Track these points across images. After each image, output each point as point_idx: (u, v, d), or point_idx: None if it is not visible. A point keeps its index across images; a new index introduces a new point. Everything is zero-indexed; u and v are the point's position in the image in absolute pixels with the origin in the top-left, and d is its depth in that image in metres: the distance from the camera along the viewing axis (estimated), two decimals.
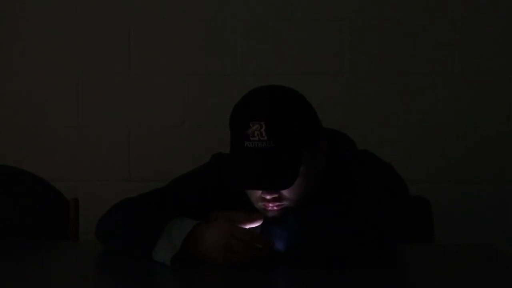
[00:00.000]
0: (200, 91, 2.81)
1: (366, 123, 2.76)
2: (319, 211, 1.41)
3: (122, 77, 2.82)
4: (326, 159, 1.53)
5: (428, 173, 2.75)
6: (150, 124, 2.82)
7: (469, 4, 2.74)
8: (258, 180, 1.42)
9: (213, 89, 2.79)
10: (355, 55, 2.77)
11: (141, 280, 1.30)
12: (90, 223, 1.64)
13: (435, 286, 1.26)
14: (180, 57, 2.80)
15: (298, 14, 2.77)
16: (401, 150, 2.74)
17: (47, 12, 2.81)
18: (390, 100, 2.77)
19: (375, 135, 2.72)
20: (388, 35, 2.76)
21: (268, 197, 1.45)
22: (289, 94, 1.48)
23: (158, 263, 1.37)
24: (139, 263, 1.38)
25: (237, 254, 1.35)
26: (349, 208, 1.40)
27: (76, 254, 1.61)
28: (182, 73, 2.81)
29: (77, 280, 1.31)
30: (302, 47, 2.78)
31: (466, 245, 1.69)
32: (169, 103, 2.81)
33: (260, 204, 1.48)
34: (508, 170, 2.75)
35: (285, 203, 1.47)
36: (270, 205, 1.46)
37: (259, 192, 1.46)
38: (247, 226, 1.43)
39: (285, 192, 1.45)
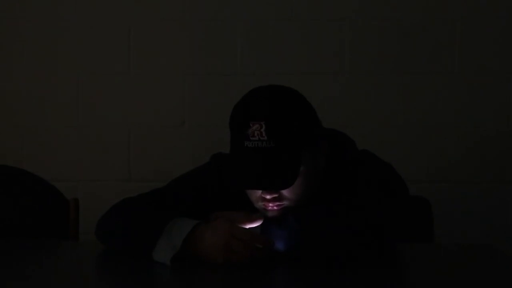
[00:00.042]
0: (200, 91, 2.81)
1: (366, 123, 2.76)
2: (319, 211, 1.41)
3: (122, 77, 2.82)
4: (326, 159, 1.53)
5: (428, 173, 2.76)
6: (150, 124, 2.82)
7: (469, 4, 2.74)
8: (258, 180, 1.42)
9: (213, 89, 2.79)
10: (355, 55, 2.77)
11: (141, 280, 1.30)
12: (90, 223, 1.64)
13: (435, 286, 1.26)
14: (180, 57, 2.80)
15: (298, 14, 2.77)
16: (401, 150, 2.74)
17: (47, 12, 2.81)
18: (390, 100, 2.77)
19: (375, 135, 2.72)
20: (388, 35, 2.76)
21: (268, 197, 1.45)
22: (289, 94, 1.48)
23: (158, 263, 1.37)
24: (139, 263, 1.38)
25: (237, 254, 1.35)
26: (349, 208, 1.40)
27: (76, 254, 1.61)
28: (182, 73, 2.81)
29: (77, 280, 1.31)
30: (302, 47, 2.78)
31: (466, 245, 1.70)
32: (169, 103, 2.81)
33: (260, 204, 1.48)
34: (508, 170, 2.75)
35: (285, 203, 1.47)
36: (270, 205, 1.46)
37: (259, 192, 1.46)
38: (247, 226, 1.43)
39: (285, 192, 1.45)
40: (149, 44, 2.81)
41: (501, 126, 2.75)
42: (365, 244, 1.38)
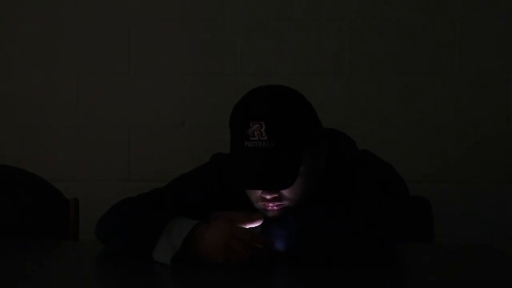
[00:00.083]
0: (200, 91, 2.81)
1: (366, 123, 2.76)
2: (319, 211, 1.41)
3: (122, 77, 2.82)
4: (326, 159, 1.53)
5: (428, 173, 2.75)
6: (150, 124, 2.82)
7: (469, 4, 2.74)
8: (258, 180, 1.42)
9: (213, 89, 2.79)
10: (355, 55, 2.77)
11: (141, 280, 1.30)
12: (90, 223, 1.64)
13: (435, 286, 1.26)
14: (180, 57, 2.80)
15: (298, 14, 2.77)
16: (401, 150, 2.74)
17: (47, 12, 2.81)
18: (390, 100, 2.77)
19: (375, 135, 2.72)
20: (388, 35, 2.76)
21: (268, 197, 1.45)
22: (289, 94, 1.48)
23: (158, 263, 1.37)
24: (139, 263, 1.38)
25: (237, 254, 1.35)
26: (349, 208, 1.40)
27: (76, 254, 1.61)
28: (182, 73, 2.81)
29: (77, 280, 1.31)
30: (302, 47, 2.78)
31: (466, 245, 1.69)
32: (169, 103, 2.81)
33: (260, 204, 1.48)
34: (508, 170, 2.75)
35: (285, 203, 1.47)
36: (270, 205, 1.46)
37: (259, 192, 1.46)
38: (247, 226, 1.43)
39: (285, 192, 1.45)
40: (149, 44, 2.81)
41: (501, 126, 2.75)
42: (365, 244, 1.38)
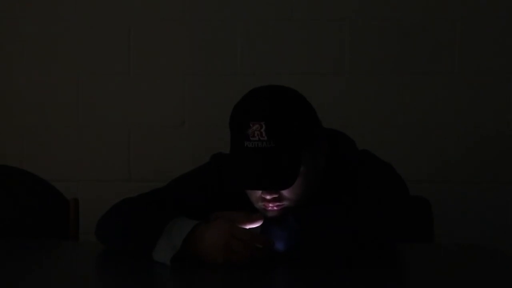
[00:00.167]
0: (200, 91, 2.81)
1: (366, 123, 2.76)
2: (319, 211, 1.41)
3: (122, 77, 2.82)
4: (326, 159, 1.53)
5: (428, 173, 2.76)
6: (150, 124, 2.82)
7: (469, 4, 2.74)
8: (258, 180, 1.42)
9: (213, 89, 2.79)
10: (355, 55, 2.77)
11: (141, 280, 1.30)
12: (90, 223, 1.64)
13: (435, 286, 1.26)
14: (180, 57, 2.80)
15: (298, 14, 2.77)
16: (401, 150, 2.74)
17: (47, 12, 2.81)
18: (390, 100, 2.77)
19: (375, 135, 2.72)
20: (388, 35, 2.76)
21: (268, 197, 1.45)
22: (289, 94, 1.48)
23: (158, 263, 1.37)
24: (139, 263, 1.38)
25: (237, 254, 1.35)
26: (349, 208, 1.40)
27: (76, 254, 1.61)
28: (182, 73, 2.81)
29: (77, 280, 1.31)
30: (302, 47, 2.78)
31: (466, 245, 1.69)
32: (169, 103, 2.81)
33: (260, 204, 1.48)
34: (508, 170, 2.75)
35: (285, 203, 1.47)
36: (270, 205, 1.47)
37: (259, 192, 1.46)
38: (247, 226, 1.43)
39: (285, 192, 1.45)
40: (149, 44, 2.81)
41: (501, 126, 2.75)
42: (365, 244, 1.38)
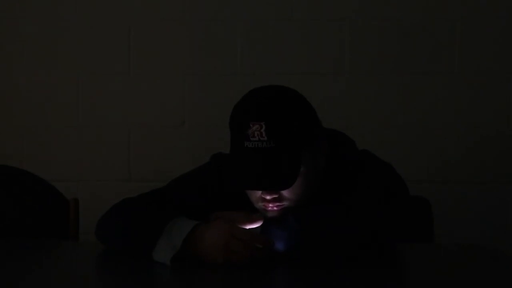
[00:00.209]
0: (200, 91, 2.81)
1: (366, 123, 2.76)
2: (319, 211, 1.41)
3: (122, 77, 2.82)
4: (326, 159, 1.53)
5: (428, 173, 2.76)
6: (150, 124, 2.82)
7: (469, 4, 2.74)
8: (258, 180, 1.42)
9: (213, 89, 2.79)
10: (355, 55, 2.77)
11: (141, 280, 1.30)
12: (90, 223, 1.64)
13: (435, 286, 1.26)
14: (180, 57, 2.80)
15: (298, 14, 2.77)
16: (401, 150, 2.74)
17: (47, 12, 2.81)
18: (390, 100, 2.77)
19: (375, 135, 2.72)
20: (388, 35, 2.76)
21: (268, 197, 1.45)
22: (289, 94, 1.48)
23: (158, 263, 1.37)
24: (139, 263, 1.38)
25: (237, 254, 1.35)
26: (349, 208, 1.40)
27: (76, 254, 1.61)
28: (182, 73, 2.81)
29: (77, 280, 1.31)
30: (302, 47, 2.78)
31: (466, 245, 1.69)
32: (169, 103, 2.81)
33: (260, 205, 1.48)
34: (508, 170, 2.75)
35: (285, 203, 1.47)
36: (270, 205, 1.46)
37: (259, 192, 1.46)
38: (247, 227, 1.43)
39: (285, 193, 1.45)
40: (149, 44, 2.81)
41: (501, 126, 2.75)
42: (365, 244, 1.38)
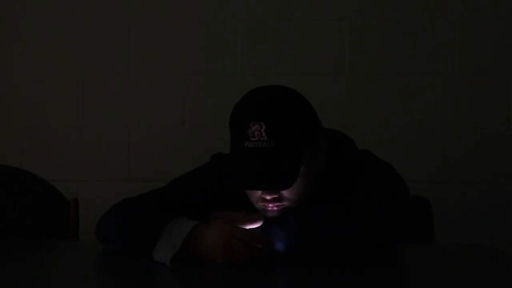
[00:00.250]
0: (200, 91, 2.81)
1: (366, 123, 2.76)
2: (319, 211, 1.41)
3: (122, 77, 2.82)
4: (326, 159, 1.53)
5: (428, 173, 2.75)
6: (150, 124, 2.82)
7: (469, 4, 2.74)
8: (258, 180, 1.42)
9: (213, 89, 2.79)
10: (355, 55, 2.77)
11: (141, 280, 1.30)
12: (90, 223, 1.64)
13: (435, 286, 1.26)
14: (180, 57, 2.80)
15: (298, 14, 2.77)
16: (401, 150, 2.74)
17: (47, 12, 2.81)
18: (390, 100, 2.77)
19: (375, 135, 2.72)
20: (388, 35, 2.76)
21: (268, 197, 1.45)
22: (289, 94, 1.48)
23: (158, 263, 1.37)
24: (139, 263, 1.38)
25: (237, 254, 1.35)
26: (349, 208, 1.40)
27: (76, 254, 1.61)
28: (182, 73, 2.81)
29: (77, 280, 1.31)
30: (302, 47, 2.78)
31: (466, 245, 1.69)
32: (169, 103, 2.81)
33: (260, 205, 1.48)
34: (508, 170, 2.75)
35: (285, 203, 1.47)
36: (270, 205, 1.46)
37: (259, 192, 1.46)
38: (247, 227, 1.43)
39: (285, 193, 1.45)
40: (149, 44, 2.81)
41: (501, 126, 2.75)
42: (365, 244, 1.38)
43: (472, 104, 2.75)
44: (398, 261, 1.45)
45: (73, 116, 2.82)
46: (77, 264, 1.49)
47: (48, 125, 2.82)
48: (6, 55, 2.82)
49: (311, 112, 1.50)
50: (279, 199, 1.46)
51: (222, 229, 1.37)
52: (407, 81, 2.76)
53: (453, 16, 2.75)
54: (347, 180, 1.51)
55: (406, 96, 2.76)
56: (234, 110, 1.48)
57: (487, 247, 1.59)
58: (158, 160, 2.80)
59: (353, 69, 2.77)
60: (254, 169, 1.42)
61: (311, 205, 1.46)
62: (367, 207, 1.41)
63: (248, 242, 1.35)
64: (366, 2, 2.76)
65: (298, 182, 1.43)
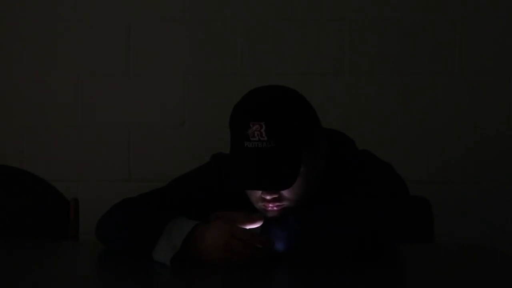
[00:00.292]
0: (200, 91, 2.81)
1: (366, 123, 2.76)
2: (319, 211, 1.41)
3: (122, 77, 2.82)
4: (326, 159, 1.53)
5: (428, 173, 2.75)
6: (150, 124, 2.82)
7: (469, 4, 2.74)
8: (258, 180, 1.42)
9: (213, 89, 2.79)
10: (355, 55, 2.77)
11: (141, 280, 1.30)
12: (90, 223, 1.64)
13: (435, 286, 1.26)
14: (180, 57, 2.80)
15: (298, 14, 2.77)
16: (401, 150, 2.74)
17: (47, 12, 2.81)
18: (390, 100, 2.77)
19: (375, 135, 2.72)
20: (388, 35, 2.76)
21: (268, 197, 1.45)
22: (289, 94, 1.48)
23: (158, 263, 1.37)
24: (139, 263, 1.38)
25: (237, 254, 1.35)
26: (349, 209, 1.40)
27: (76, 254, 1.61)
28: (182, 73, 2.81)
29: (77, 280, 1.31)
30: (302, 47, 2.78)
31: (466, 245, 1.69)
32: (169, 103, 2.81)
33: (260, 205, 1.48)
34: (508, 170, 2.75)
35: (285, 203, 1.47)
36: (270, 205, 1.46)
37: (259, 192, 1.46)
38: (247, 227, 1.43)
39: (285, 193, 1.45)
40: (149, 44, 2.81)
41: (501, 126, 2.75)
42: (365, 244, 1.38)
43: (472, 104, 2.75)
44: (398, 261, 1.45)
45: (73, 116, 2.82)
46: (77, 264, 1.49)
47: (48, 125, 2.82)
48: (6, 55, 2.82)
49: (311, 112, 1.50)
50: (279, 199, 1.46)
51: (222, 229, 1.37)
52: (407, 81, 2.76)
53: (453, 16, 2.75)
54: (347, 180, 1.51)
55: (406, 96, 2.76)
56: (234, 110, 1.48)
57: (487, 247, 1.59)
58: (158, 160, 2.80)
59: (353, 69, 2.77)
60: (254, 169, 1.42)
61: (311, 205, 1.46)
62: (367, 207, 1.41)
63: (248, 242, 1.35)
64: (366, 2, 2.76)
65: (298, 182, 1.43)
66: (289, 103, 1.45)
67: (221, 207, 1.51)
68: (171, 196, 1.60)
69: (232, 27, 2.79)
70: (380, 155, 1.59)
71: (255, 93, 1.49)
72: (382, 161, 1.58)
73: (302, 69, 2.77)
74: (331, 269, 1.32)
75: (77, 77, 2.82)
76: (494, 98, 2.75)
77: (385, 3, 2.75)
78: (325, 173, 1.53)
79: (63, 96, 2.82)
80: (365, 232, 1.37)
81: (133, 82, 2.82)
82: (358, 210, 1.40)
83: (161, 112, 2.81)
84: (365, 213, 1.39)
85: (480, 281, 1.28)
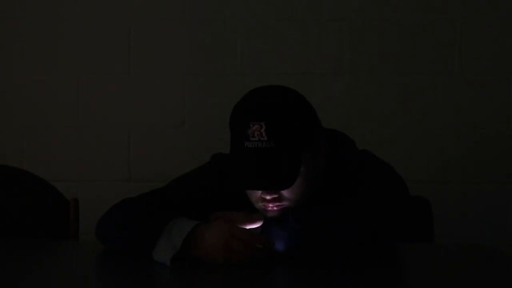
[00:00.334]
0: (200, 91, 2.81)
1: (366, 123, 2.76)
2: (319, 211, 1.41)
3: (122, 77, 2.82)
4: (326, 159, 1.53)
5: (428, 173, 2.75)
6: (150, 124, 2.82)
7: (469, 4, 2.74)
8: (258, 180, 1.42)
9: (213, 89, 2.79)
10: (355, 55, 2.77)
11: (141, 280, 1.30)
12: (90, 223, 1.64)
13: (435, 286, 1.26)
14: (180, 57, 2.80)
15: (298, 14, 2.77)
16: (401, 150, 2.74)
17: (47, 12, 2.81)
18: (390, 100, 2.77)
19: (375, 135, 2.72)
20: (388, 35, 2.76)
21: (268, 197, 1.45)
22: (289, 94, 1.48)
23: (158, 263, 1.37)
24: (139, 263, 1.38)
25: (237, 254, 1.35)
26: (349, 208, 1.40)
27: (76, 254, 1.61)
28: (182, 73, 2.81)
29: (77, 280, 1.31)
30: (302, 47, 2.78)
31: (466, 245, 1.69)
32: (169, 103, 2.81)
33: (260, 205, 1.48)
34: (508, 170, 2.75)
35: (285, 203, 1.47)
36: (270, 205, 1.46)
37: (259, 192, 1.46)
38: (247, 227, 1.43)
39: (285, 193, 1.45)
40: (149, 44, 2.81)
41: (501, 126, 2.75)
42: (365, 244, 1.38)
43: (472, 104, 2.75)
44: (398, 261, 1.45)
45: (73, 116, 2.82)
46: (77, 264, 1.49)
47: (48, 125, 2.82)
48: (6, 55, 2.82)
49: (311, 112, 1.50)
50: (279, 199, 1.46)
51: (222, 229, 1.37)
52: (407, 81, 2.76)
53: (453, 16, 2.75)
54: (347, 180, 1.51)
55: (406, 96, 2.76)
56: (234, 110, 1.48)
57: (487, 247, 1.59)
58: (158, 160, 2.80)
59: (353, 69, 2.77)
60: (254, 169, 1.42)
61: (311, 205, 1.46)
62: (367, 207, 1.41)
63: (248, 242, 1.35)
64: (366, 2, 2.76)
65: (298, 182, 1.43)
66: (289, 103, 1.45)
67: (221, 207, 1.51)
68: (171, 196, 1.60)
69: (232, 27, 2.78)
70: (380, 155, 1.59)
71: (255, 93, 1.49)
72: (382, 161, 1.58)
73: (302, 69, 2.77)
74: (331, 269, 1.32)
75: (77, 77, 2.82)
76: (494, 98, 2.75)
77: (385, 3, 2.75)
78: (325, 173, 1.53)
79: (63, 96, 2.82)
80: (365, 232, 1.37)
81: (133, 82, 2.82)
82: (358, 210, 1.40)
83: (161, 112, 2.81)
84: (365, 213, 1.39)
85: (480, 281, 1.28)
